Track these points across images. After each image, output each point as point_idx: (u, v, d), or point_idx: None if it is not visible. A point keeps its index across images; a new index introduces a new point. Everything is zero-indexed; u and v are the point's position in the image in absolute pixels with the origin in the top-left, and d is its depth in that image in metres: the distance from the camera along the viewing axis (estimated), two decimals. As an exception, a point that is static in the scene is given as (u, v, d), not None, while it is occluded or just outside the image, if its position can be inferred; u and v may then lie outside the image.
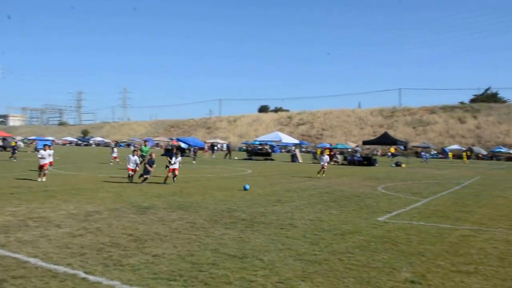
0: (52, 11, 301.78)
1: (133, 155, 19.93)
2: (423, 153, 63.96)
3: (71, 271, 6.54)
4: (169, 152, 36.58)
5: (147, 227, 9.97)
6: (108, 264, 6.97)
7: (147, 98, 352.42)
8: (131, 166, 19.73)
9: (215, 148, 62.71)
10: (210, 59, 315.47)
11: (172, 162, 19.77)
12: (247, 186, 18.16)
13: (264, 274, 6.71)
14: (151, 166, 19.28)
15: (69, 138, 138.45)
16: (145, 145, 30.95)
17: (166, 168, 20.19)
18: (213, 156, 57.11)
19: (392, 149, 72.92)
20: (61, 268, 6.65)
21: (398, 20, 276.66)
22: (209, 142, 78.86)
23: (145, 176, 19.07)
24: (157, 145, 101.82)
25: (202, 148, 59.07)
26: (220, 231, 9.79)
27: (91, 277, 6.30)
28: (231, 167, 35.95)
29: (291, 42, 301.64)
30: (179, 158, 20.54)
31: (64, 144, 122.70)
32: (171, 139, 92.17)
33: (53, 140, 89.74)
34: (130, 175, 19.70)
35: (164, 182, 19.22)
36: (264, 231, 9.95)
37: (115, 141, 68.20)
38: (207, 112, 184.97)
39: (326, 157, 27.82)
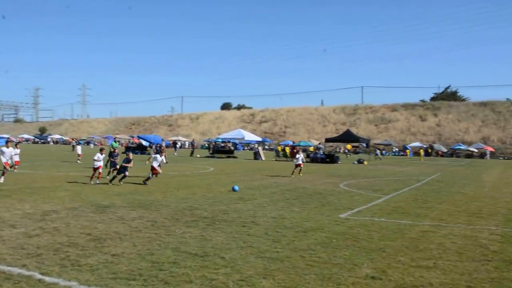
0: (3, 9, 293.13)
1: (101, 154, 19.05)
2: (377, 150, 65.05)
3: (26, 273, 6.39)
4: (128, 150, 36.10)
5: (106, 226, 9.83)
6: (65, 264, 6.84)
7: (107, 95, 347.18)
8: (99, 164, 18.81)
9: (177, 145, 62.30)
10: (171, 56, 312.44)
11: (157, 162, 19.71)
12: (236, 188, 17.57)
13: (226, 272, 6.72)
14: (127, 164, 18.52)
15: (26, 136, 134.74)
16: (115, 141, 30.10)
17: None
18: (175, 154, 56.73)
19: (349, 146, 74.01)
20: (15, 270, 6.49)
21: (362, 17, 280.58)
22: (171, 140, 78.19)
23: (123, 175, 18.43)
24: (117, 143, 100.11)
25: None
26: (181, 229, 9.75)
27: (47, 278, 6.17)
28: (192, 165, 35.80)
29: (254, 38, 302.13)
30: (162, 158, 20.86)
31: (19, 142, 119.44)
32: (132, 137, 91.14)
33: (8, 138, 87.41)
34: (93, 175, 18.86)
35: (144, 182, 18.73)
36: (225, 229, 9.96)
37: (75, 139, 66.90)
38: (169, 109, 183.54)
39: (302, 156, 27.06)
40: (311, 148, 68.48)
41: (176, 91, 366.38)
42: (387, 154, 76.33)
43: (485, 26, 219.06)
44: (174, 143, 63.99)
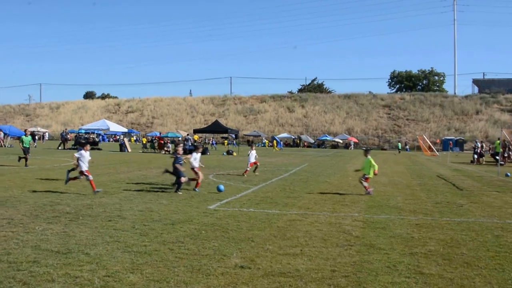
0: None
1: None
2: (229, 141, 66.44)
3: None
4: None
5: None
6: None
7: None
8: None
9: (36, 137, 58.68)
10: (28, 41, 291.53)
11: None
12: (221, 187, 15.93)
13: (91, 269, 6.59)
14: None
15: None
16: (26, 135, 26.92)
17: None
18: (35, 145, 53.49)
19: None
20: None
21: (230, 8, 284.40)
22: (29, 131, 73.29)
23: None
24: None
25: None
26: (42, 226, 9.38)
27: None
28: (53, 157, 34.05)
29: (118, 22, 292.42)
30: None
31: None
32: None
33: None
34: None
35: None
36: (90, 224, 9.72)
37: None
38: (26, 97, 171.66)
39: (254, 152, 22.96)
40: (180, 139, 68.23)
41: (34, 78, 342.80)
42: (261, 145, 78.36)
43: (348, 21, 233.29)
44: (33, 134, 60.22)
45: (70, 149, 49.47)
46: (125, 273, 6.47)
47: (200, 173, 16.30)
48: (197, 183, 16.02)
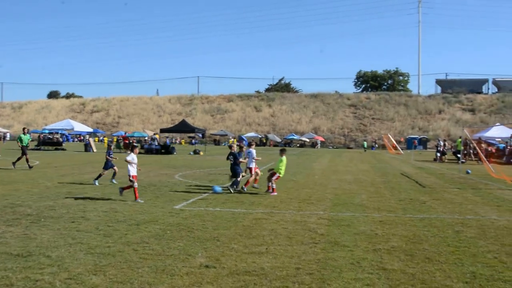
0: None
1: None
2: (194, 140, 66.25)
3: None
4: None
5: None
6: None
7: None
8: None
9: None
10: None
11: None
12: (217, 188, 15.55)
13: (52, 272, 6.47)
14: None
15: None
16: (25, 133, 25.33)
17: None
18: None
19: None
20: None
21: (199, 7, 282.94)
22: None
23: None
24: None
25: None
26: (1, 229, 9.18)
27: None
28: (14, 158, 33.21)
29: (82, 20, 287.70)
30: None
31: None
32: None
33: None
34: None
35: None
36: (52, 226, 9.55)
37: None
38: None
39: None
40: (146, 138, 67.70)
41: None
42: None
43: (316, 22, 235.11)
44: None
45: (33, 149, 48.49)
46: (87, 275, 6.37)
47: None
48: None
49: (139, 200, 13.05)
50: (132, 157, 13.68)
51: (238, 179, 15.84)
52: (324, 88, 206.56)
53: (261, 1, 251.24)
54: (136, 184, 13.41)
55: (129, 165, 13.56)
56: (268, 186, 15.81)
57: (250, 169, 16.59)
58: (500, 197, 15.89)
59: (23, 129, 26.40)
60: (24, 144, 24.11)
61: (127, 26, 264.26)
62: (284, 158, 16.26)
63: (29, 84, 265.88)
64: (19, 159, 23.65)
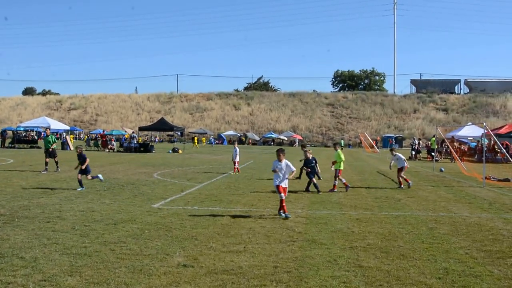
0: None
1: None
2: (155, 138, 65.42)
3: None
4: None
5: None
6: None
7: None
8: None
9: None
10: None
11: None
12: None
13: (25, 273, 6.33)
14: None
15: None
16: (48, 134, 23.25)
17: None
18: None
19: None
20: None
21: (178, 6, 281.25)
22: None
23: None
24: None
25: None
26: (-28, 230, 8.90)
27: None
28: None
29: (59, 17, 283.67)
30: None
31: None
32: None
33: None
34: None
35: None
36: (26, 226, 9.35)
37: None
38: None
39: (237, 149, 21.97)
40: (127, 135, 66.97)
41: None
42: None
43: (294, 22, 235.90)
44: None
45: (7, 147, 47.79)
46: (63, 276, 6.25)
47: None
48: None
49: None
50: None
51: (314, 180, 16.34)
52: (302, 87, 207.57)
53: (240, 1, 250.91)
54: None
55: None
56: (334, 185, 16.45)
57: None
58: (471, 195, 16.12)
59: (45, 130, 24.55)
60: (48, 147, 21.98)
61: (106, 23, 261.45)
62: (339, 151, 16.91)
63: (4, 81, 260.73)
64: (56, 163, 21.91)
